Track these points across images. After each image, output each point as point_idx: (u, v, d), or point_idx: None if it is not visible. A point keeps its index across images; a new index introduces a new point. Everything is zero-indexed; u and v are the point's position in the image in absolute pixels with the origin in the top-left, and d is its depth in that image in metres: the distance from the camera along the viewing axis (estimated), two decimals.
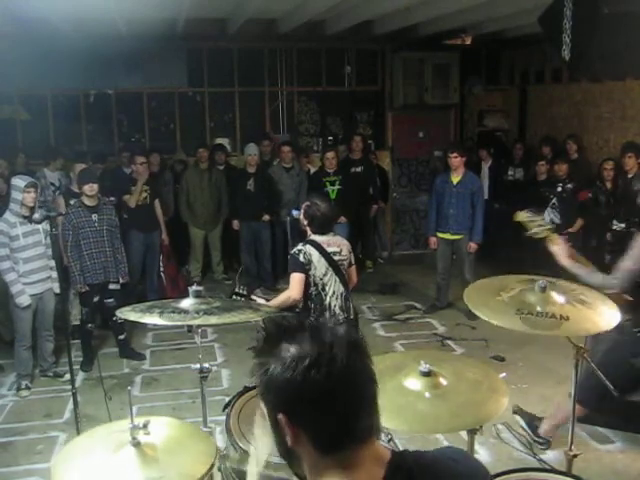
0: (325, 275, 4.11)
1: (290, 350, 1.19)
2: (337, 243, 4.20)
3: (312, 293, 4.12)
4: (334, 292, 4.15)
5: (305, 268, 4.07)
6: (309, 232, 4.21)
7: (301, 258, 4.06)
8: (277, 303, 4.16)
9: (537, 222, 3.42)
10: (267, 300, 4.17)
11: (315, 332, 1.22)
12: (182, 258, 8.13)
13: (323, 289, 4.12)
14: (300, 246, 4.13)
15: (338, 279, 4.16)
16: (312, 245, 4.11)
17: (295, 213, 4.27)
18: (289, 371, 1.17)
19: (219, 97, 9.21)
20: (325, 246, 4.13)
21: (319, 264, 4.08)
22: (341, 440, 1.21)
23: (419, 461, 1.28)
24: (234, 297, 4.11)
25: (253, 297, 4.11)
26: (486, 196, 7.95)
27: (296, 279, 4.08)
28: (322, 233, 4.16)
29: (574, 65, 4.66)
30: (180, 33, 7.93)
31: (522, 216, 3.49)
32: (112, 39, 7.51)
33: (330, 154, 7.86)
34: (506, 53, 9.89)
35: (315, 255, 4.08)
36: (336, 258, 4.15)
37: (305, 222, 4.21)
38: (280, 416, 1.21)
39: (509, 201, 8.44)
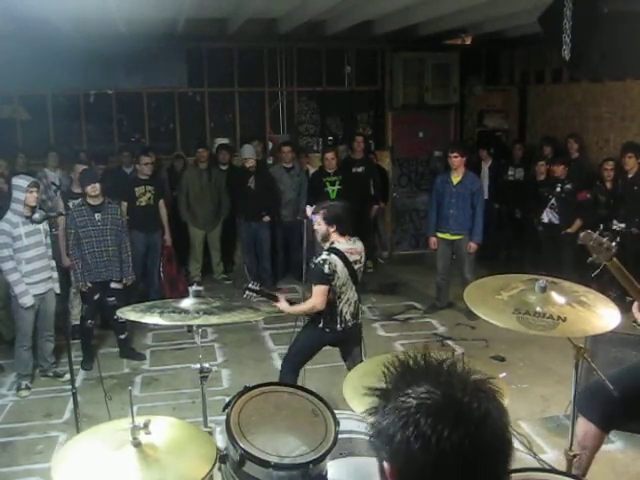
0: (344, 285, 4.09)
1: (412, 402, 1.01)
2: (358, 251, 4.17)
3: (329, 299, 4.09)
4: (348, 299, 4.15)
5: (329, 279, 4.02)
6: (334, 236, 4.12)
7: (326, 270, 4.01)
8: (300, 310, 4.16)
9: (604, 245, 2.86)
10: (290, 303, 4.16)
11: (449, 396, 1.01)
12: (182, 258, 8.12)
13: (339, 297, 4.11)
14: (325, 256, 4.05)
15: (354, 287, 4.16)
16: (337, 255, 4.05)
17: (314, 217, 4.15)
18: (402, 429, 1.00)
19: (219, 97, 9.21)
20: (348, 255, 4.09)
21: (342, 274, 4.06)
22: None
23: None
24: (247, 292, 4.05)
25: (279, 298, 4.09)
26: (486, 196, 7.95)
27: (321, 291, 4.03)
28: (344, 232, 4.10)
29: (574, 65, 4.66)
30: (180, 33, 7.92)
31: (588, 237, 2.91)
32: (112, 39, 7.50)
33: (329, 154, 7.85)
34: (506, 53, 9.88)
35: (339, 266, 4.04)
36: (356, 267, 4.14)
37: (332, 228, 4.10)
38: (386, 465, 1.05)
39: (509, 201, 8.47)
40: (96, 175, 6.10)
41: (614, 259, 2.86)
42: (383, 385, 1.08)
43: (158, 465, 1.92)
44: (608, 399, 2.99)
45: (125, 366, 5.88)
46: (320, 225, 4.13)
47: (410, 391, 1.03)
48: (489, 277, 2.96)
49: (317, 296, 4.03)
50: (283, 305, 4.10)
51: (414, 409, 1.01)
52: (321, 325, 4.14)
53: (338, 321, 4.14)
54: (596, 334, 2.72)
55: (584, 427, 3.18)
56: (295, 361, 4.26)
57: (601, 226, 3.13)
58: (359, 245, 4.21)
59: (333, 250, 4.07)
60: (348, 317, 4.16)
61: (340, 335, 4.17)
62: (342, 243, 4.11)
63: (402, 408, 1.02)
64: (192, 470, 1.97)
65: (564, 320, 2.48)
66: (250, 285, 4.10)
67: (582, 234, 2.94)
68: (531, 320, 2.48)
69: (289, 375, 4.18)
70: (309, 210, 4.34)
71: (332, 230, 4.10)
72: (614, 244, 2.87)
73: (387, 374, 1.10)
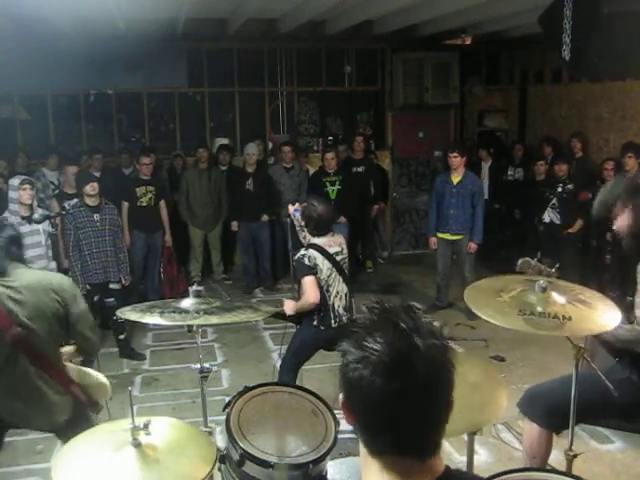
0: (329, 276, 4.11)
1: (370, 343, 1.16)
2: (337, 242, 4.21)
3: None
4: (338, 292, 4.15)
5: (313, 271, 4.07)
6: (307, 234, 4.21)
7: (306, 262, 4.06)
8: (300, 306, 4.13)
9: (544, 272, 2.86)
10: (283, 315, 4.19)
11: (401, 343, 1.15)
12: (182, 258, 8.12)
13: (327, 290, 4.12)
14: (303, 251, 4.12)
15: (341, 279, 4.17)
16: (314, 249, 4.10)
17: (297, 214, 4.27)
18: (353, 365, 1.17)
19: (219, 97, 9.21)
20: (327, 248, 4.13)
21: (323, 267, 4.09)
22: (384, 450, 1.20)
23: (465, 477, 1.29)
24: None
25: (283, 301, 4.15)
26: (486, 196, 7.95)
27: (308, 282, 4.06)
28: (319, 235, 4.16)
29: (574, 65, 4.67)
30: (180, 33, 7.93)
31: (527, 265, 2.94)
32: (112, 39, 7.50)
33: (330, 154, 7.85)
34: (506, 53, 9.89)
35: (319, 258, 4.08)
36: (338, 258, 4.16)
37: (302, 223, 4.21)
38: (341, 396, 1.22)
39: (509, 201, 8.48)
40: (92, 174, 6.11)
41: None
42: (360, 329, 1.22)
43: (158, 466, 1.92)
44: (549, 400, 2.98)
45: (125, 366, 5.87)
46: (298, 220, 4.27)
47: (373, 337, 1.16)
48: (487, 279, 2.95)
49: (308, 288, 4.06)
50: (289, 306, 4.12)
51: (371, 353, 1.15)
52: (316, 323, 4.15)
53: (332, 316, 4.14)
54: (600, 332, 2.68)
55: (530, 433, 3.14)
56: (293, 361, 4.26)
57: (539, 254, 3.11)
58: (338, 237, 4.26)
59: (311, 245, 4.13)
60: (341, 311, 4.16)
61: (336, 332, 4.13)
62: (317, 238, 4.16)
63: (363, 350, 1.16)
64: (192, 471, 1.97)
65: (569, 319, 2.47)
66: None
67: (520, 262, 2.94)
68: (537, 321, 2.47)
69: (288, 375, 4.18)
70: (291, 208, 4.38)
71: (303, 225, 4.22)
72: (553, 270, 2.86)
73: (365, 318, 1.23)
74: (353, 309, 4.28)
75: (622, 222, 2.82)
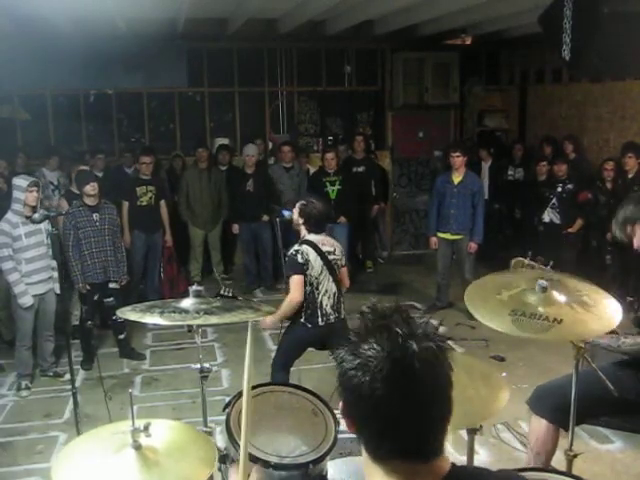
0: (320, 274, 4.13)
1: (367, 350, 1.15)
2: (331, 243, 4.25)
3: (306, 291, 4.13)
4: (327, 291, 4.16)
5: (303, 269, 4.09)
6: (304, 231, 4.21)
7: (299, 259, 4.08)
8: (282, 311, 4.14)
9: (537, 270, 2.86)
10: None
11: (395, 344, 1.14)
12: (182, 258, 8.12)
13: (317, 288, 4.14)
14: (297, 246, 4.15)
15: (331, 278, 4.18)
16: (308, 245, 4.12)
17: (286, 214, 4.26)
18: (351, 372, 1.15)
19: (219, 97, 9.21)
20: (320, 245, 4.15)
21: (315, 263, 4.11)
22: (388, 455, 1.18)
23: (474, 475, 1.27)
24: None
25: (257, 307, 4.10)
26: (486, 196, 7.95)
27: (296, 281, 4.10)
28: (317, 232, 4.17)
29: (574, 65, 4.66)
30: (180, 33, 7.93)
31: (519, 264, 2.95)
32: (112, 39, 7.51)
33: (330, 155, 7.85)
34: (506, 53, 9.89)
35: (312, 254, 4.10)
36: (330, 258, 4.18)
37: (301, 221, 4.21)
38: (341, 403, 1.22)
39: (509, 201, 8.48)
40: (93, 174, 6.10)
41: None
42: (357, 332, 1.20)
43: (158, 468, 1.91)
44: (560, 396, 2.98)
45: (125, 366, 5.87)
46: (295, 216, 4.28)
47: (369, 344, 1.15)
48: (492, 274, 2.94)
49: (294, 287, 4.10)
50: (266, 323, 4.15)
51: (368, 360, 1.14)
52: (303, 320, 4.16)
53: (319, 314, 4.15)
54: (591, 337, 2.68)
55: (537, 429, 3.14)
56: (284, 360, 4.27)
57: (530, 253, 3.11)
58: (330, 239, 4.30)
59: (305, 241, 4.15)
60: (329, 310, 4.17)
61: (323, 330, 4.15)
62: (313, 235, 4.19)
63: (360, 357, 1.15)
64: (192, 473, 1.97)
65: (559, 322, 2.45)
66: (222, 292, 4.14)
67: (513, 261, 2.94)
68: (525, 322, 2.45)
69: (280, 374, 4.18)
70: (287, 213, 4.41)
71: (301, 223, 4.22)
72: (549, 267, 2.86)
73: (360, 321, 1.22)
74: (342, 309, 4.27)
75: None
